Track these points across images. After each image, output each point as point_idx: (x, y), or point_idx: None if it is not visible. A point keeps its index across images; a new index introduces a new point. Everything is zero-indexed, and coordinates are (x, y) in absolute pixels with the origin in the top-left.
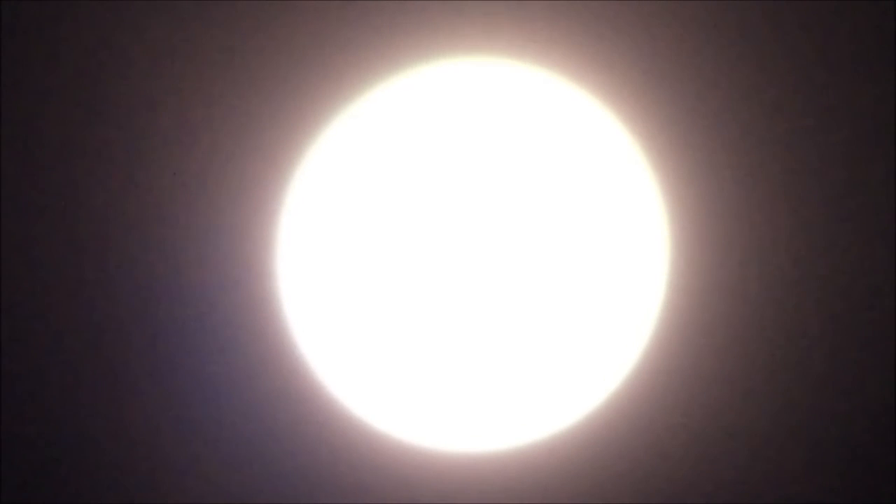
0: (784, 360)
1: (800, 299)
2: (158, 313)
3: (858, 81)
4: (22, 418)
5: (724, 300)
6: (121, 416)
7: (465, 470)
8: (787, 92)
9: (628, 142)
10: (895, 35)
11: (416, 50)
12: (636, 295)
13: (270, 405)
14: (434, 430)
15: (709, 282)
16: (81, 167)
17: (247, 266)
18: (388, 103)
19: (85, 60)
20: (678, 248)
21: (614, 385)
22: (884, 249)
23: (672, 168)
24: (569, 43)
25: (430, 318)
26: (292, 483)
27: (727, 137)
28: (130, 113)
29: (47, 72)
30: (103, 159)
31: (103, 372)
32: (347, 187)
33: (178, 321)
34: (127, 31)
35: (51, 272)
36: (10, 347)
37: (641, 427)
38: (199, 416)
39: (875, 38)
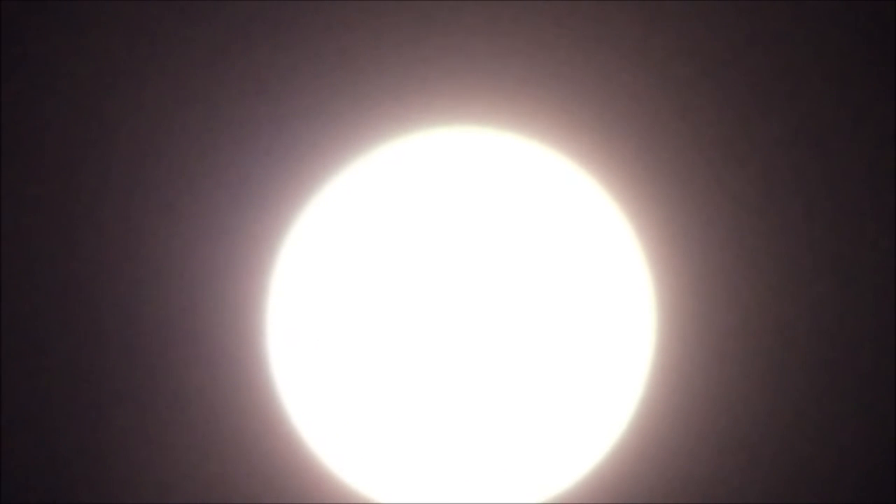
0: (775, 423)
1: (789, 364)
2: (147, 378)
3: (851, 144)
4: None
5: (712, 365)
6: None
7: None
8: (773, 156)
9: (613, 209)
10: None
11: (401, 119)
12: (623, 362)
13: (262, 476)
14: (424, 497)
15: (696, 347)
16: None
17: (236, 337)
18: (375, 172)
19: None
20: (664, 314)
21: (601, 454)
22: (872, 314)
23: (657, 236)
24: (554, 112)
25: (420, 385)
26: None
27: (713, 204)
28: (121, 175)
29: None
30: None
31: (88, 441)
32: (335, 254)
33: (166, 387)
34: (106, 93)
35: (40, 325)
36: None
37: (628, 496)
38: (189, 484)
39: (864, 97)
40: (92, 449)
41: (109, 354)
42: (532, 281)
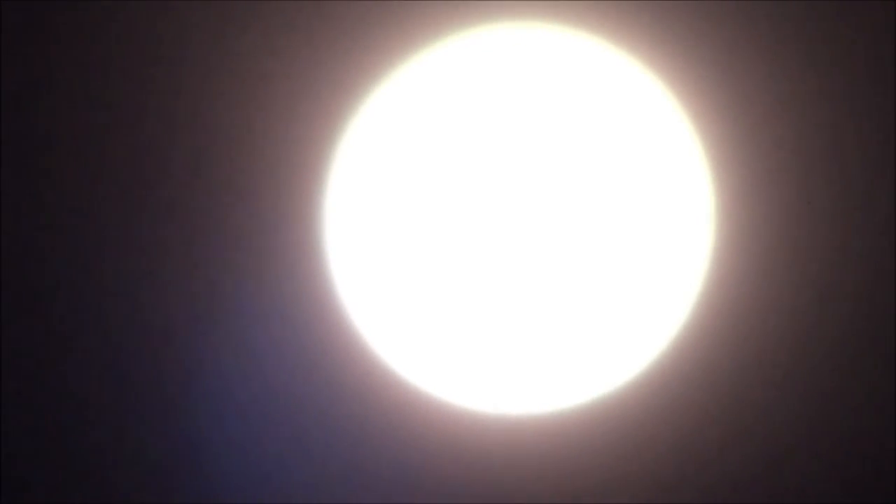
0: (826, 334)
1: (844, 275)
2: (201, 279)
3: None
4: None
5: (771, 270)
6: (162, 385)
7: (508, 432)
8: (836, 54)
9: (674, 107)
10: None
11: (451, 18)
12: (680, 261)
13: (318, 368)
14: (478, 392)
15: (754, 251)
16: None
17: (293, 231)
18: (424, 75)
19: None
20: (723, 215)
21: (657, 352)
22: None
23: (717, 134)
24: (607, 5)
25: (479, 285)
26: (333, 440)
27: (773, 103)
28: (167, 74)
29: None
30: (148, 113)
31: (148, 332)
32: (391, 155)
33: (223, 286)
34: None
35: (98, 228)
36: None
37: (685, 394)
38: (246, 381)
39: None
40: (148, 342)
41: (166, 241)
42: (591, 180)
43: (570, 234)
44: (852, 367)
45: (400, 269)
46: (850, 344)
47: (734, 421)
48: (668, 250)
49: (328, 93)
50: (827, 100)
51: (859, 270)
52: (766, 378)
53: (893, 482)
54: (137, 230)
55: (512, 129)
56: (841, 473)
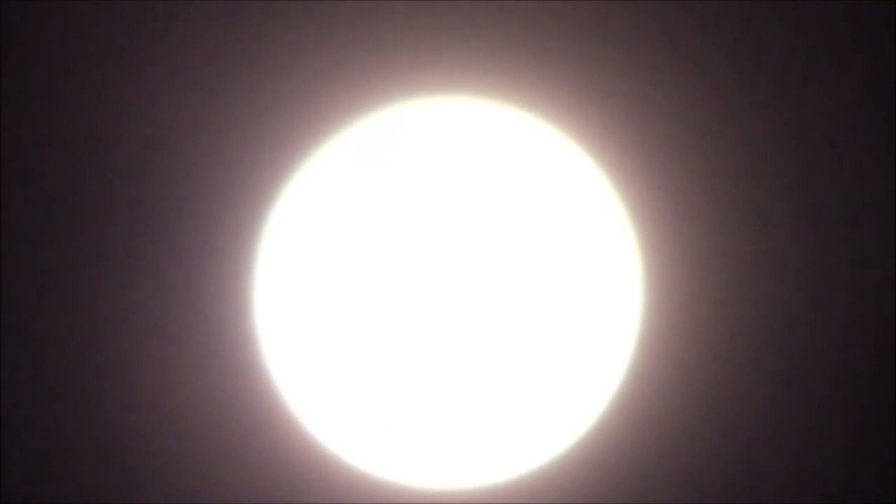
0: (763, 396)
1: (779, 337)
2: (135, 359)
3: (844, 125)
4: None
5: (699, 339)
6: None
7: None
8: (766, 127)
9: (601, 180)
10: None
11: (391, 88)
12: (611, 332)
13: (249, 445)
14: (410, 467)
15: (682, 319)
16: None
17: (224, 301)
18: (362, 143)
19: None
20: (652, 285)
21: (588, 423)
22: (878, 276)
23: (645, 205)
24: (543, 82)
25: (407, 356)
26: None
27: (701, 173)
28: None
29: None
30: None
31: (78, 405)
32: (325, 221)
33: (148, 337)
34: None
35: (34, 298)
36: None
37: (616, 465)
38: (174, 451)
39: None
40: (86, 432)
41: (100, 333)
42: (523, 250)
43: (501, 308)
44: (780, 441)
45: (329, 343)
46: (778, 416)
47: (663, 493)
48: (599, 323)
49: (261, 161)
50: (757, 175)
51: (795, 339)
52: (694, 450)
53: None
54: (62, 280)
55: (442, 200)
56: None
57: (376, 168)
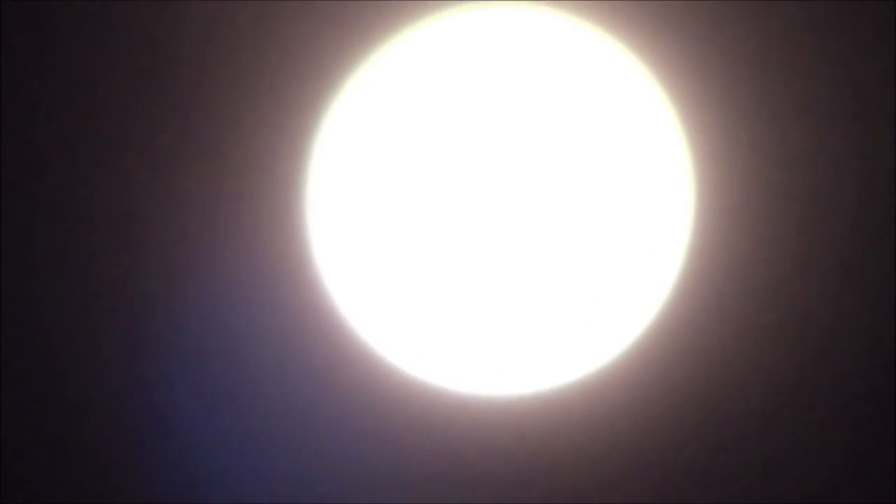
0: (807, 303)
1: (826, 239)
2: (187, 260)
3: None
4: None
5: (750, 243)
6: (147, 375)
7: (491, 414)
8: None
9: (651, 81)
10: None
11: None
12: (661, 239)
13: (301, 352)
14: (460, 373)
15: (733, 225)
16: (111, 118)
17: (276, 217)
18: (407, 60)
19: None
20: (703, 189)
21: (638, 331)
22: None
23: (696, 108)
24: None
25: (460, 264)
26: (315, 421)
27: (753, 74)
28: (150, 68)
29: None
30: (135, 108)
31: (129, 319)
32: (375, 135)
33: (204, 265)
34: None
35: (78, 231)
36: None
37: (667, 371)
38: (228, 366)
39: None
40: (132, 332)
41: (152, 231)
42: (572, 169)
43: (552, 219)
44: (833, 357)
45: (382, 254)
46: (831, 333)
47: (714, 399)
48: (649, 234)
49: (311, 75)
50: (818, 103)
51: (841, 267)
52: (745, 358)
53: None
54: (121, 210)
55: (495, 108)
56: (833, 450)
57: (428, 76)
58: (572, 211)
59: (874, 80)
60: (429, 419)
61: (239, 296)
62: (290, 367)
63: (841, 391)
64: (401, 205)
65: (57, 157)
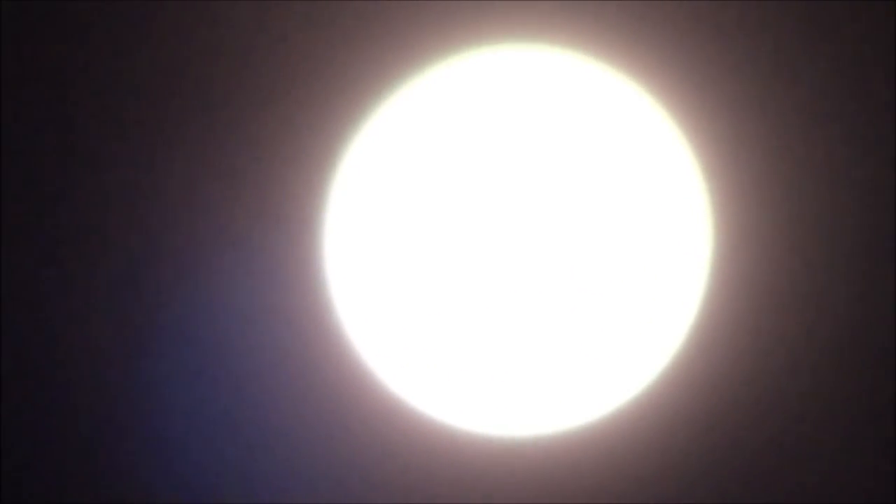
0: (830, 343)
1: (845, 276)
2: (207, 290)
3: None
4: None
5: (767, 289)
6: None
7: (505, 454)
8: (829, 72)
9: (670, 126)
10: None
11: (450, 42)
12: (679, 282)
13: (317, 390)
14: (474, 413)
15: (751, 270)
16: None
17: (294, 255)
18: (425, 94)
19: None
20: (721, 234)
21: (653, 374)
22: None
23: (714, 151)
24: (604, 28)
25: (474, 305)
26: (329, 460)
27: (770, 116)
28: (180, 111)
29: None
30: (150, 151)
31: (142, 355)
32: (390, 177)
33: (225, 308)
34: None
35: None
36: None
37: (680, 416)
38: (244, 402)
39: None
40: (143, 362)
41: (167, 266)
42: (589, 197)
43: (569, 260)
44: (852, 398)
45: (399, 294)
46: (849, 351)
47: (729, 440)
48: (666, 275)
49: (332, 106)
50: (824, 120)
51: (859, 281)
52: (763, 388)
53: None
54: (140, 224)
55: (514, 147)
56: (847, 477)
57: (448, 117)
58: (590, 252)
59: (893, 116)
60: (442, 458)
61: (255, 333)
62: (305, 404)
63: (858, 432)
64: (419, 243)
65: (66, 190)
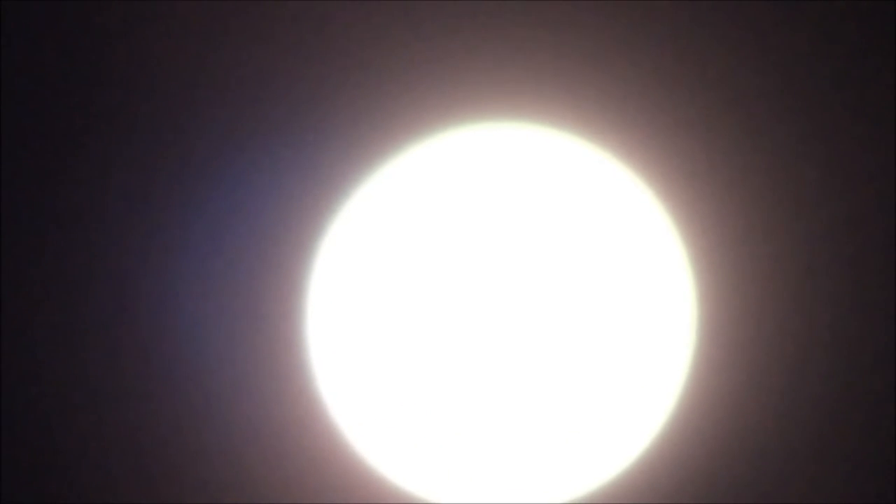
0: (815, 424)
1: (830, 365)
2: (185, 374)
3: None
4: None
5: (752, 363)
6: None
7: None
8: (819, 152)
9: (654, 204)
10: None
11: (432, 118)
12: (663, 358)
13: (298, 466)
14: (461, 492)
15: (735, 345)
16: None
17: (275, 330)
18: (410, 172)
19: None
20: (705, 310)
21: (638, 451)
22: None
23: (699, 232)
24: (587, 104)
25: (459, 382)
26: None
27: (756, 201)
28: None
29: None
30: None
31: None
32: (372, 252)
33: (206, 381)
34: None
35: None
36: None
37: (663, 494)
38: (227, 480)
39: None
40: (129, 449)
41: (146, 359)
42: (572, 276)
43: (553, 340)
44: (836, 472)
45: (381, 366)
46: (845, 433)
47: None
48: (651, 347)
49: (314, 183)
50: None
51: (845, 355)
52: (753, 472)
53: None
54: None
55: (497, 223)
56: None
57: (427, 194)
58: (574, 330)
59: (887, 204)
60: None
61: (239, 417)
62: (290, 484)
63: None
64: (402, 326)
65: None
